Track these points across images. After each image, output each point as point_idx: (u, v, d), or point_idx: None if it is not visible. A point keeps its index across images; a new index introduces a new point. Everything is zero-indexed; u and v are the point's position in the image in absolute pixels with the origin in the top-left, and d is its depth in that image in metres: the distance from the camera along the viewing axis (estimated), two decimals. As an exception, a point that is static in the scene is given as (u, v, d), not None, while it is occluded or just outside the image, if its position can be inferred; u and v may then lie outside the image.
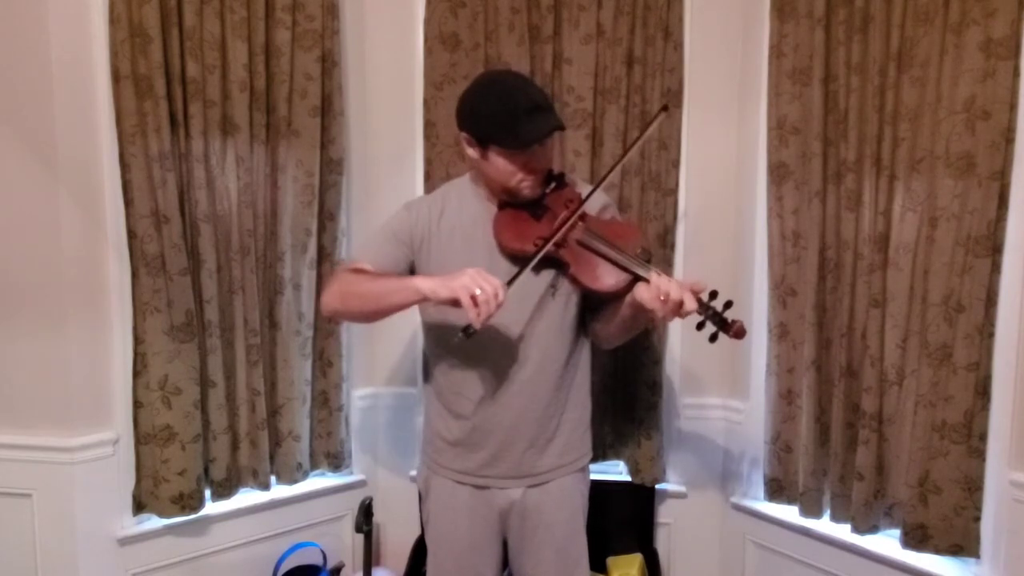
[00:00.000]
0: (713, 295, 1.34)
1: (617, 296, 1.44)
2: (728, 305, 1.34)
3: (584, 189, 1.56)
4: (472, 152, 1.47)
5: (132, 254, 1.86)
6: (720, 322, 1.32)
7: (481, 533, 1.57)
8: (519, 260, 1.46)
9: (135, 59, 1.81)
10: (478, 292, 1.26)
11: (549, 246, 1.41)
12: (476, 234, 1.51)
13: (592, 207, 1.53)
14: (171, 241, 1.87)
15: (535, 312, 1.49)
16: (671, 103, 2.10)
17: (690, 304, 1.29)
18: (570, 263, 1.45)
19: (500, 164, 1.43)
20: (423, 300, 1.36)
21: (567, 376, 1.55)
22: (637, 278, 1.38)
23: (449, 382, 1.54)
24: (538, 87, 1.47)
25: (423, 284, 1.34)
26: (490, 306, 1.26)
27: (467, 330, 1.30)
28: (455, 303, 1.29)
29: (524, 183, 1.46)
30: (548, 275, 1.48)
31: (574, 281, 1.48)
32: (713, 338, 1.34)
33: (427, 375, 1.63)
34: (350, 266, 1.54)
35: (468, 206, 1.55)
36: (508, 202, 1.51)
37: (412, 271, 1.55)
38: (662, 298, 1.29)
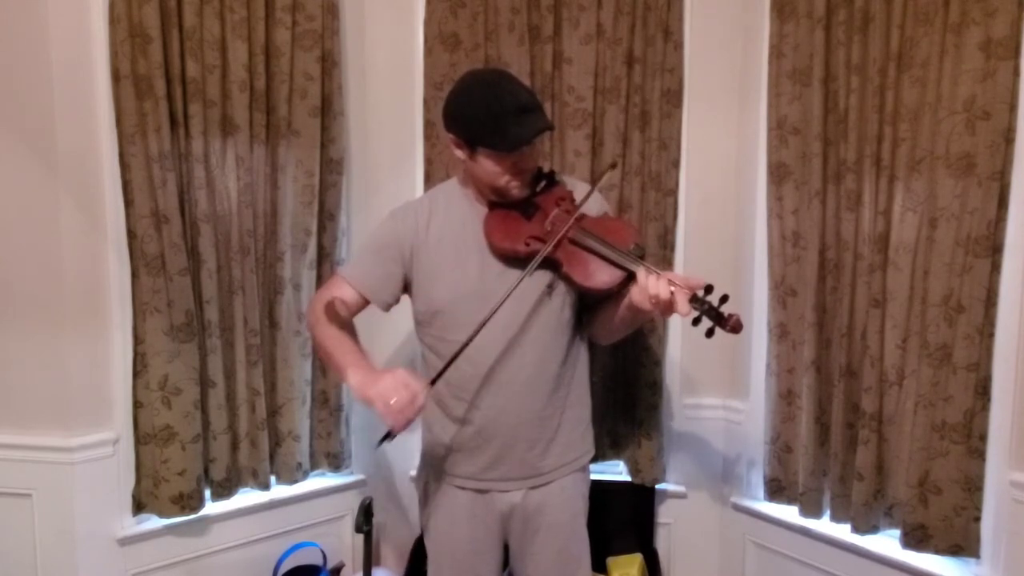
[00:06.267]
0: (708, 290, 1.31)
1: (612, 293, 1.44)
2: (724, 299, 1.32)
3: (575, 186, 1.55)
4: (460, 153, 1.46)
5: (132, 254, 1.86)
6: (716, 316, 1.30)
7: (482, 537, 1.57)
8: (511, 260, 1.46)
9: (135, 59, 1.81)
10: (393, 401, 1.24)
11: (538, 260, 1.40)
12: (466, 236, 1.50)
13: (583, 207, 1.53)
14: (171, 241, 1.87)
15: (532, 313, 1.48)
16: (671, 103, 2.10)
17: (682, 304, 1.27)
18: (563, 262, 1.44)
19: (488, 166, 1.43)
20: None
21: (566, 375, 1.55)
22: (631, 275, 1.37)
23: (448, 387, 1.53)
24: (525, 87, 1.44)
25: (351, 378, 1.33)
26: (406, 413, 1.25)
27: (388, 435, 1.32)
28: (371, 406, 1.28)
29: (513, 184, 1.45)
30: (543, 275, 1.47)
31: (567, 280, 1.47)
32: (710, 333, 1.32)
33: None
34: (328, 296, 1.52)
35: (457, 208, 1.54)
36: (498, 202, 1.50)
37: (407, 284, 1.55)
38: (653, 301, 1.29)
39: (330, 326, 1.46)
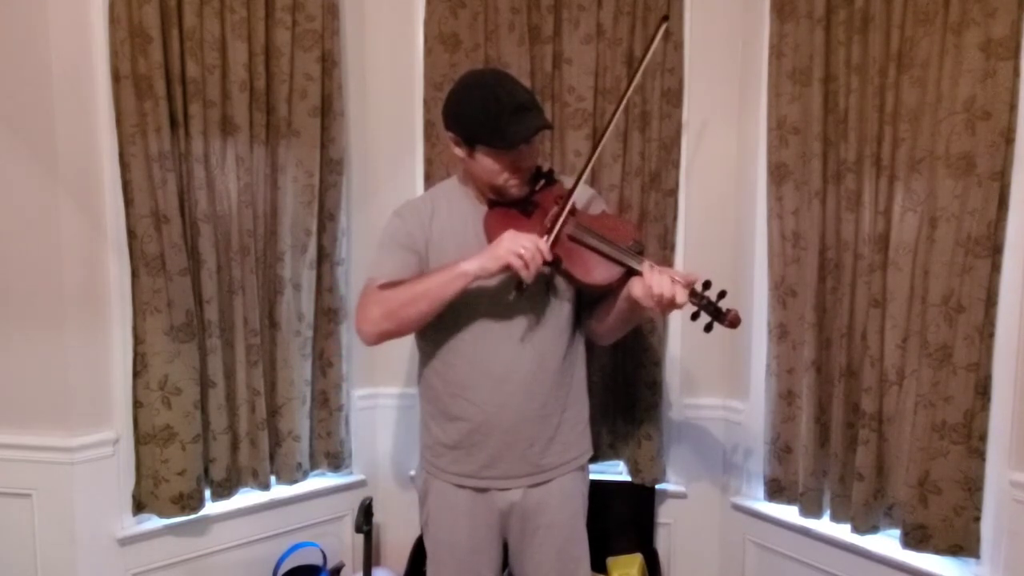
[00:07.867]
0: (707, 285, 1.34)
1: (611, 290, 1.45)
2: (722, 295, 1.35)
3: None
4: (459, 152, 1.48)
5: (132, 254, 1.86)
6: (714, 312, 1.33)
7: (482, 535, 1.57)
8: None
9: (135, 59, 1.81)
10: (523, 251, 1.33)
11: (551, 236, 1.42)
12: (467, 234, 1.51)
13: (580, 201, 1.53)
14: (171, 241, 1.87)
15: (531, 311, 1.49)
16: (671, 103, 2.10)
17: (681, 299, 1.30)
18: (562, 258, 1.45)
19: (487, 164, 1.44)
20: (474, 281, 1.38)
21: (565, 374, 1.55)
22: (630, 271, 1.39)
23: (446, 385, 1.53)
24: (523, 86, 1.46)
25: (469, 266, 1.36)
26: (537, 260, 1.34)
27: (520, 287, 1.37)
28: (506, 270, 1.35)
29: (511, 182, 1.46)
30: (542, 273, 1.48)
31: (567, 276, 1.48)
32: (708, 328, 1.34)
33: (423, 380, 1.62)
34: (375, 286, 1.47)
35: (457, 207, 1.55)
36: (497, 201, 1.51)
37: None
38: (655, 297, 1.30)
39: (404, 285, 1.43)
